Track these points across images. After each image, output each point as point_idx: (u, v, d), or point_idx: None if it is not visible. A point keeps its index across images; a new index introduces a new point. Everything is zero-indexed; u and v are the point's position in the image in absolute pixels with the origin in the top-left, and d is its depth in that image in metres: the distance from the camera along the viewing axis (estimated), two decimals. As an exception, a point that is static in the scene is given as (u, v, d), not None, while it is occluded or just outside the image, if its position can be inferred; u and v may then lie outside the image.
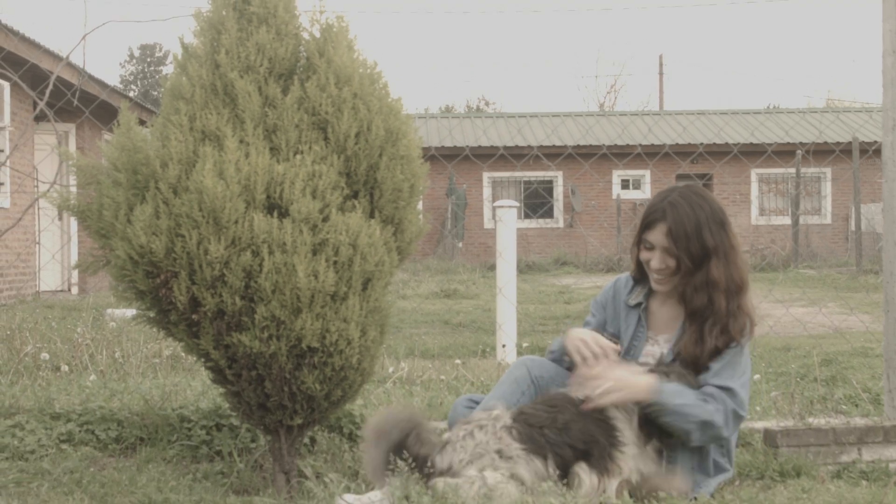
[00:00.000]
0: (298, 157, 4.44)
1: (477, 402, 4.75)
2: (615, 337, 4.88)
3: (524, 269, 27.90)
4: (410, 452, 4.18)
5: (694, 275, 4.67)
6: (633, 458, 4.37)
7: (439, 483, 4.11)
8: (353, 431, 5.54)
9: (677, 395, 4.45)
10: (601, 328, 4.95)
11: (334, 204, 4.44)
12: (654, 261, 4.73)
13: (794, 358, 9.82)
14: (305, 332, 4.36)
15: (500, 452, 4.20)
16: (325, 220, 4.41)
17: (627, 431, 4.41)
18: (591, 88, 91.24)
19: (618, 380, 4.42)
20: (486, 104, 71.75)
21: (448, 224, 35.39)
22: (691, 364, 4.63)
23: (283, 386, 4.49)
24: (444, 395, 6.82)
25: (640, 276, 4.94)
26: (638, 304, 4.92)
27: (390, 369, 7.96)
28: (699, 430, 4.50)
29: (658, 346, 4.82)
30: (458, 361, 8.89)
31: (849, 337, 11.18)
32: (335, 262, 4.39)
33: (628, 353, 4.83)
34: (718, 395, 4.55)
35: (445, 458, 4.22)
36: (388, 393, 6.70)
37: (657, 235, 4.70)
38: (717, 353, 4.62)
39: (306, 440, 5.37)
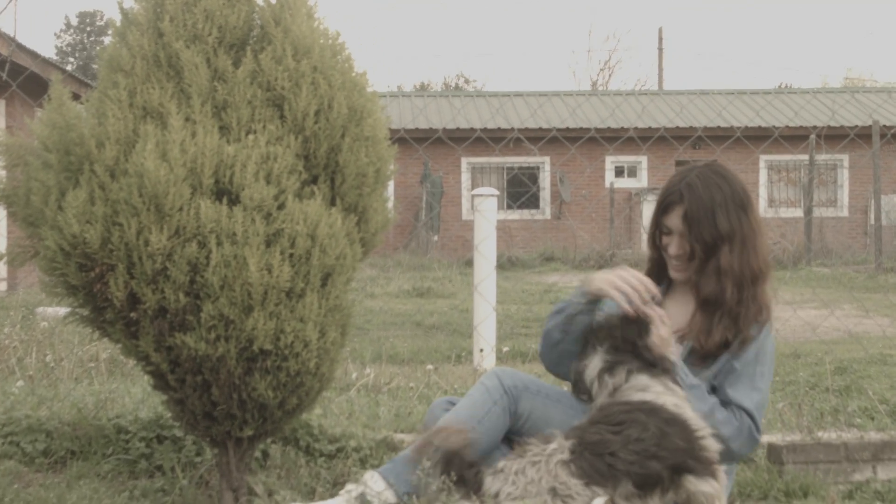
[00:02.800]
0: (251, 137, 4.43)
1: (455, 404, 4.78)
2: None
3: (506, 265, 27.92)
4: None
5: (707, 262, 4.72)
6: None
7: None
8: (310, 444, 5.54)
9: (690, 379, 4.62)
10: None
11: (291, 190, 4.43)
12: (673, 246, 4.80)
13: (803, 365, 9.86)
14: (257, 332, 4.35)
15: (553, 491, 4.22)
16: (281, 207, 4.40)
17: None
18: (584, 65, 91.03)
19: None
20: (467, 82, 71.74)
21: (422, 215, 35.38)
22: (701, 356, 4.69)
23: (231, 393, 4.48)
24: (414, 404, 6.83)
25: (657, 273, 4.97)
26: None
27: (354, 375, 7.97)
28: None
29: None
30: (430, 367, 8.90)
31: (865, 342, 11.22)
32: (291, 255, 4.38)
33: None
34: (738, 410, 4.67)
35: (496, 483, 4.25)
36: (351, 402, 6.70)
37: (674, 219, 4.76)
38: (725, 345, 4.67)
39: (257, 454, 5.36)
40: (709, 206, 4.69)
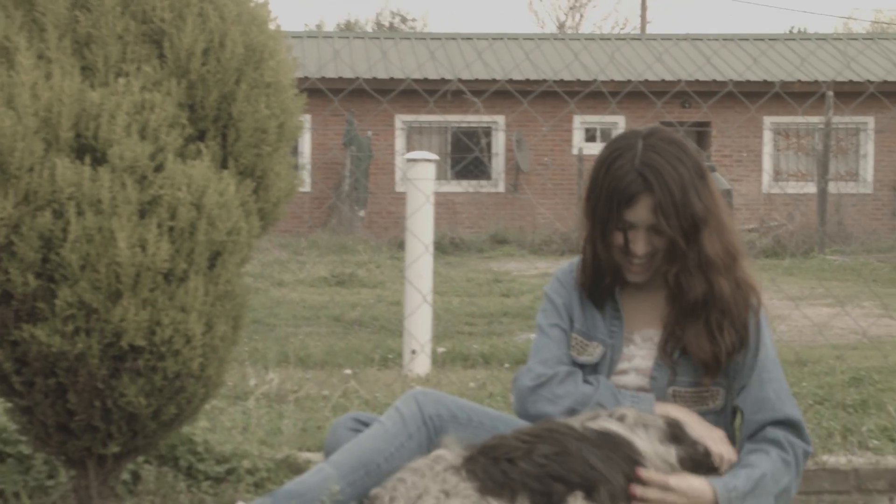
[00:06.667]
0: (122, 80, 4.42)
1: (366, 424, 4.71)
2: (590, 340, 4.86)
3: (448, 247, 27.94)
4: None
5: (686, 255, 4.66)
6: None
7: None
8: (192, 465, 5.53)
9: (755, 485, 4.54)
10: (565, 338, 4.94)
11: (171, 147, 4.42)
12: (639, 244, 4.66)
13: (809, 375, 9.89)
14: (127, 324, 4.34)
15: (446, 493, 4.20)
16: (158, 169, 4.40)
17: (646, 446, 4.42)
18: (549, 4, 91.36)
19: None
20: (403, 21, 71.69)
21: (345, 185, 35.31)
22: (711, 366, 4.68)
23: (93, 399, 4.47)
24: (326, 416, 6.82)
25: (599, 279, 4.90)
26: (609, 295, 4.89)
27: (253, 382, 7.95)
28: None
29: (635, 347, 4.82)
30: (348, 372, 8.91)
31: (887, 348, 11.29)
32: (171, 229, 4.37)
33: (608, 360, 4.81)
34: (786, 440, 4.63)
35: None
36: (247, 413, 6.68)
37: (641, 212, 4.62)
38: (734, 348, 4.66)
39: (126, 476, 5.35)
40: (680, 187, 4.60)
